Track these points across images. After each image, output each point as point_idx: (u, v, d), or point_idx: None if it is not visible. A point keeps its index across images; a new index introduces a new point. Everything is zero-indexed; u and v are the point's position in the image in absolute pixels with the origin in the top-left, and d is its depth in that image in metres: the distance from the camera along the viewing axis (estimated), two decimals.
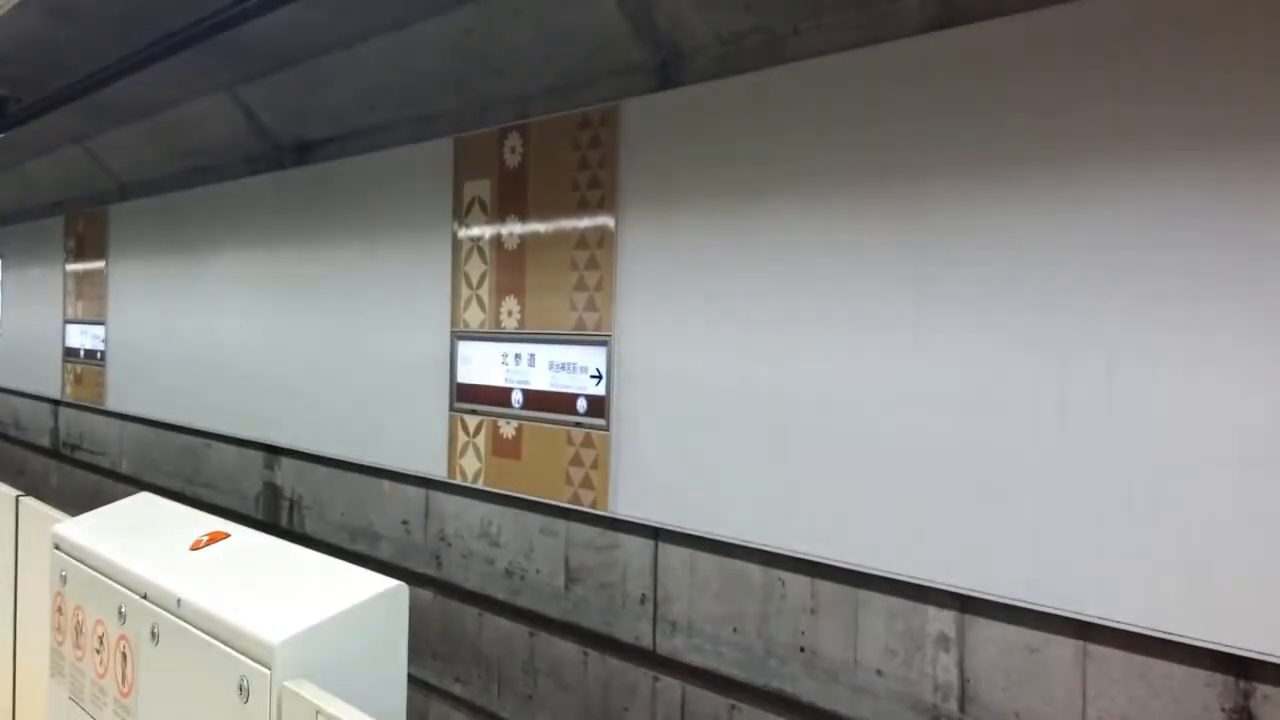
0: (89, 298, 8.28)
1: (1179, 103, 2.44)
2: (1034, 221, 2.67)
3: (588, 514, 3.92)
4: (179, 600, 2.79)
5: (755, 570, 3.36)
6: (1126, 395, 2.50)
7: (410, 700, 2.96)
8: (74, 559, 3.40)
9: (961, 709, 2.82)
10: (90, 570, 3.28)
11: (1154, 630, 2.44)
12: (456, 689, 4.55)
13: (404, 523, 4.89)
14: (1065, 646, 2.61)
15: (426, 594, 4.63)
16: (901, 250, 2.95)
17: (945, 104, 2.86)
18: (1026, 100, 2.70)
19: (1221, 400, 2.36)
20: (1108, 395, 2.53)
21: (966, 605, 2.81)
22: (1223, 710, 2.36)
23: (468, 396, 4.48)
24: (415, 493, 4.84)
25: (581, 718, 3.96)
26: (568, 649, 4.03)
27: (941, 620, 2.87)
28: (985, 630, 2.77)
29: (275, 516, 5.87)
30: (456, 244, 4.54)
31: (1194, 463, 2.40)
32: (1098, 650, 2.56)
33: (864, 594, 3.05)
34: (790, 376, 3.22)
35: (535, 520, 4.19)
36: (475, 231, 4.46)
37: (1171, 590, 2.41)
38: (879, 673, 3.01)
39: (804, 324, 3.19)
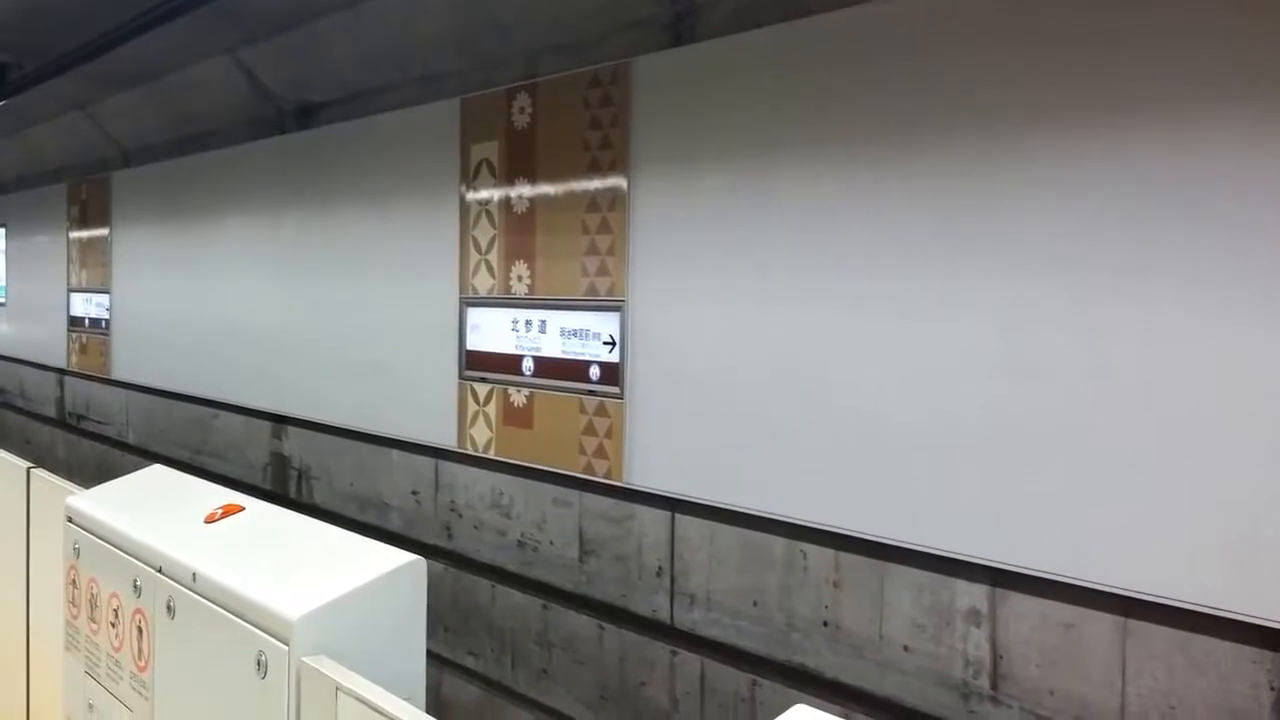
0: (93, 266, 8.21)
1: (1225, 47, 2.32)
2: (1070, 174, 2.56)
3: (602, 484, 3.85)
4: (194, 574, 2.77)
5: (777, 542, 3.28)
6: (1168, 359, 2.39)
7: (425, 674, 2.92)
8: (87, 532, 3.38)
9: (994, 686, 2.75)
10: (104, 543, 3.26)
11: (1198, 605, 2.35)
12: (470, 662, 4.51)
13: (414, 493, 4.84)
14: (1103, 622, 2.52)
15: (438, 566, 4.57)
16: (930, 207, 2.84)
17: (975, 53, 2.74)
18: (1063, 45, 2.57)
19: (1271, 365, 2.26)
20: (1149, 359, 2.42)
21: (998, 579, 2.73)
22: (1271, 688, 2.27)
23: (477, 364, 4.40)
24: (425, 462, 4.78)
25: (597, 692, 3.91)
26: (582, 622, 3.98)
27: (972, 594, 2.78)
28: (1018, 605, 2.69)
29: (283, 487, 5.83)
30: (464, 208, 4.45)
31: (1240, 431, 2.29)
32: (1138, 626, 2.47)
33: (890, 566, 2.97)
34: (813, 341, 3.13)
35: (548, 491, 4.13)
36: (483, 195, 4.36)
37: (1216, 563, 2.32)
38: (906, 648, 2.94)
39: (826, 286, 3.09)
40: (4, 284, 10.29)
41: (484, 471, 4.44)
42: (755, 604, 3.35)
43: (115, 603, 3.15)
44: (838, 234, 3.07)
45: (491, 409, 4.32)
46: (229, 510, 3.14)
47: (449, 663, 4.57)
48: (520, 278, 4.17)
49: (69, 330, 8.64)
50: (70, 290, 8.61)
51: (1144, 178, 2.44)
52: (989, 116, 2.73)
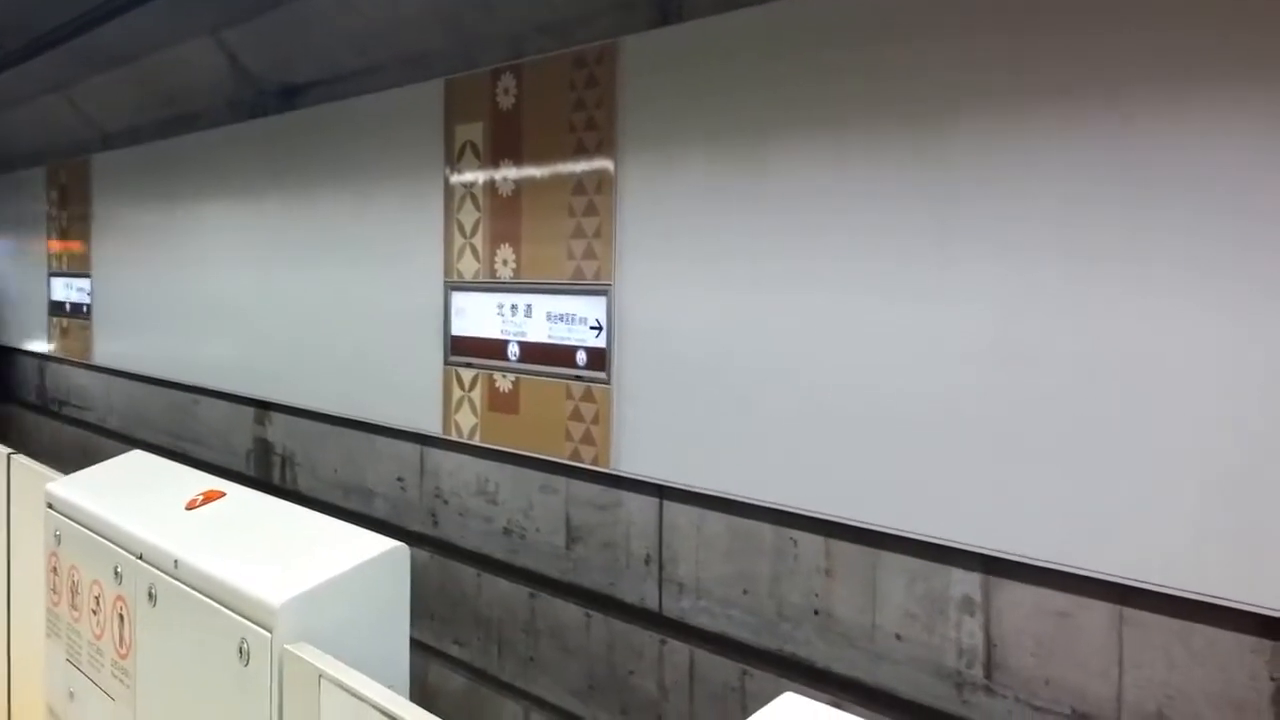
0: (73, 250, 8.13)
1: (1230, 28, 2.26)
2: (1068, 157, 2.50)
3: (589, 471, 3.81)
4: (176, 561, 2.74)
5: (766, 529, 3.24)
6: (1169, 345, 2.34)
7: (410, 662, 2.88)
8: (68, 518, 3.35)
9: (988, 675, 2.71)
10: (85, 530, 3.23)
11: (1197, 594, 2.30)
12: (456, 651, 4.46)
13: (399, 480, 4.79)
14: (1100, 611, 2.48)
15: (424, 553, 4.53)
16: (924, 190, 2.78)
17: (972, 34, 2.68)
18: (1062, 26, 2.51)
19: (1272, 351, 2.20)
20: (1148, 346, 2.37)
21: (992, 567, 2.68)
22: (1272, 679, 2.23)
23: (462, 349, 4.35)
24: (410, 449, 4.73)
25: (585, 681, 3.87)
26: (570, 610, 3.93)
27: (966, 582, 2.74)
28: (1013, 593, 2.65)
29: (267, 473, 5.77)
30: (449, 191, 4.39)
31: (1241, 417, 2.25)
32: (1135, 615, 2.43)
33: (882, 554, 2.92)
34: (804, 325, 3.07)
35: (534, 477, 4.08)
36: (468, 177, 4.30)
37: (1215, 551, 2.27)
38: (898, 637, 2.90)
39: (817, 270, 3.03)
40: None
41: (469, 458, 4.38)
42: (745, 592, 3.31)
43: (96, 590, 3.12)
44: (830, 217, 3.02)
45: (477, 395, 4.26)
46: (210, 496, 3.11)
47: (435, 651, 4.53)
48: (505, 261, 4.11)
49: (50, 315, 8.55)
50: (50, 275, 8.52)
51: (1145, 161, 2.39)
52: (986, 99, 2.67)
